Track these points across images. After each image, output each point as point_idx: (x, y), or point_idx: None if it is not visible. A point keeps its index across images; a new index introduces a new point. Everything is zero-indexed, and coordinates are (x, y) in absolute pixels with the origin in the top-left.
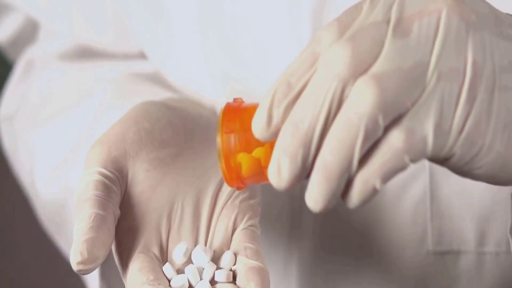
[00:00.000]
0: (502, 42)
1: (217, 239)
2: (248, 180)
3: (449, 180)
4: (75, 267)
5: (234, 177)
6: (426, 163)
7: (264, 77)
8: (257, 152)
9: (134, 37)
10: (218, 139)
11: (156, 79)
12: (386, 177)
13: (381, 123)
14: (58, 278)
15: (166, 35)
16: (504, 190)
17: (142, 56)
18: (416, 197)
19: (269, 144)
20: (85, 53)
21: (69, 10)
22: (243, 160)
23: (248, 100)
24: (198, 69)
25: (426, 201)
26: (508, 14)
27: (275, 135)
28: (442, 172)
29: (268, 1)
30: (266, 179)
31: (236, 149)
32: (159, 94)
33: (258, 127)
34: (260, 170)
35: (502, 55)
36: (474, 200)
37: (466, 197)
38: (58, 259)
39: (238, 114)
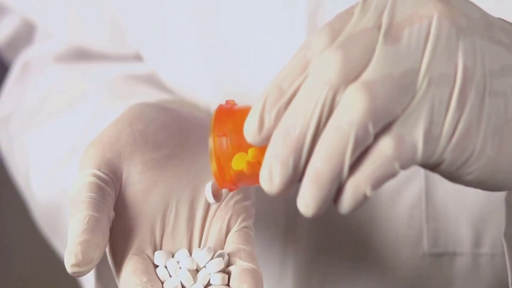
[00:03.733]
0: (493, 46)
1: (211, 241)
2: (240, 182)
3: (444, 182)
4: (69, 269)
5: (226, 179)
6: None
7: (259, 79)
8: (251, 153)
9: (130, 39)
10: (210, 141)
11: (152, 81)
12: (376, 184)
13: (371, 130)
14: (55, 280)
15: (161, 37)
16: (499, 192)
17: (137, 57)
18: (412, 199)
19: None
20: (81, 55)
21: (65, 12)
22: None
23: (242, 102)
24: (194, 70)
25: (421, 203)
26: (500, 19)
27: (266, 139)
28: (438, 175)
29: (263, 4)
30: (258, 181)
31: (228, 151)
32: (154, 96)
33: (250, 132)
34: (253, 172)
35: (492, 59)
36: (470, 202)
37: (461, 199)
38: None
39: (230, 116)
